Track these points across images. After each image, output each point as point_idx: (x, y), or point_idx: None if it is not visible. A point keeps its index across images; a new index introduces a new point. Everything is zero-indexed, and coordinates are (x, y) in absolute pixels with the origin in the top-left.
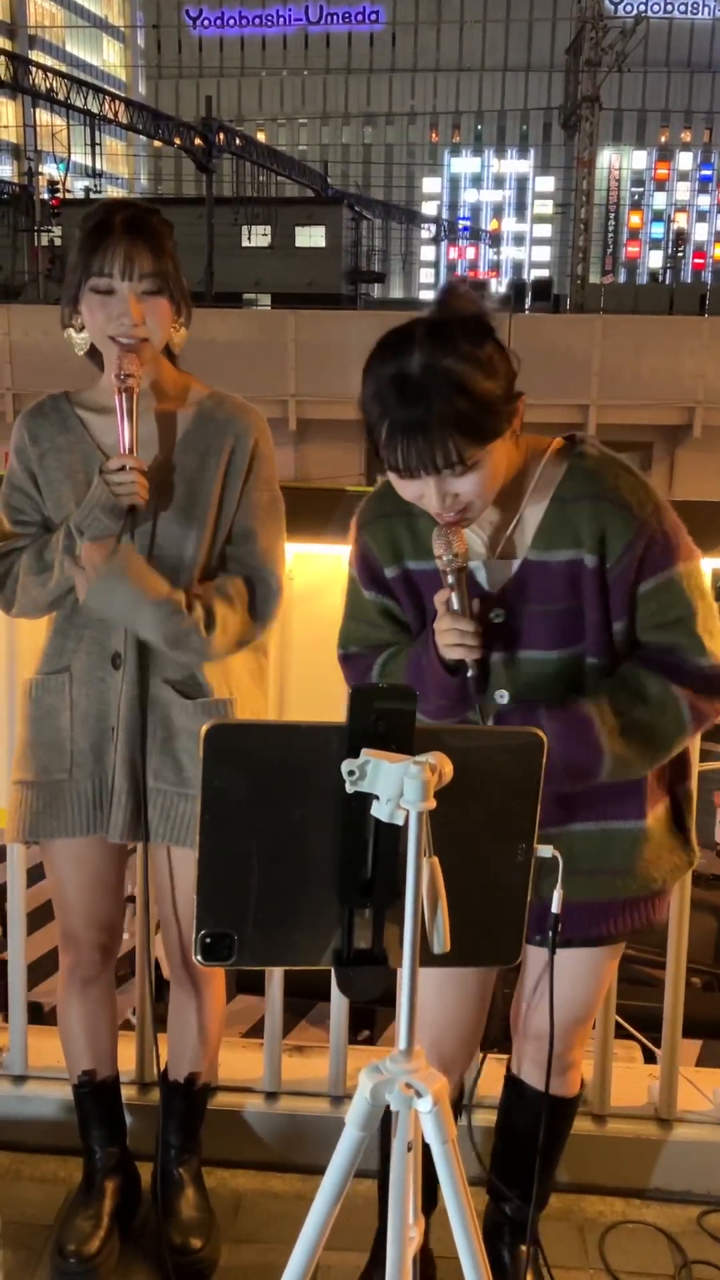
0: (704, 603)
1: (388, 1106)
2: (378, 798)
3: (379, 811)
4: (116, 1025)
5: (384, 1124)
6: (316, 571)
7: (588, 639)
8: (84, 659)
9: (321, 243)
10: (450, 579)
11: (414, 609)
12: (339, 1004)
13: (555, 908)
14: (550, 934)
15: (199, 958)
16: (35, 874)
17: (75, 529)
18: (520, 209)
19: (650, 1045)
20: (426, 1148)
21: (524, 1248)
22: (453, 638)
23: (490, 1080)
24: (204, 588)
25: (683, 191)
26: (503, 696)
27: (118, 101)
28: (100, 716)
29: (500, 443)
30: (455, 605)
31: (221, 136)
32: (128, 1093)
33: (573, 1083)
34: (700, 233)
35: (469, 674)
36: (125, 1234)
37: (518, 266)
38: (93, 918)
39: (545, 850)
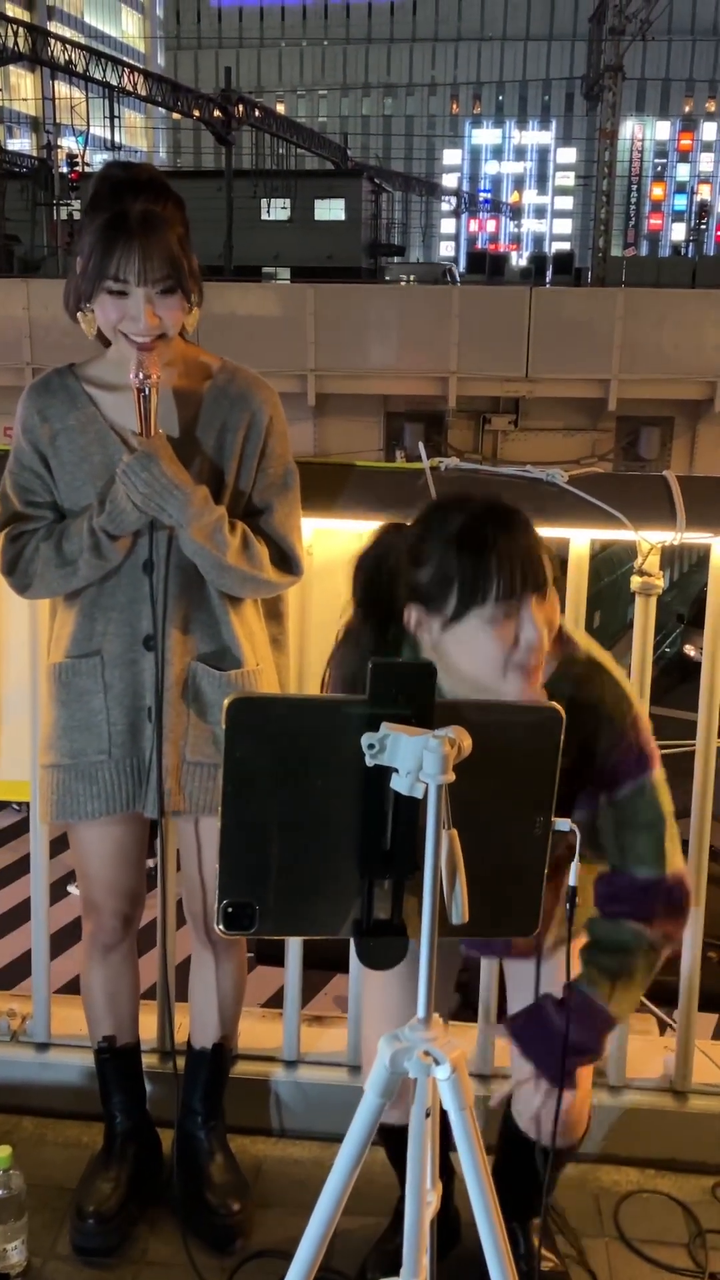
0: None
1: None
2: (397, 770)
3: (399, 784)
4: (138, 992)
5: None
6: (335, 546)
7: None
8: (115, 641)
9: (341, 215)
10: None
11: None
12: (357, 974)
13: (572, 880)
14: (569, 906)
15: (221, 927)
16: (58, 844)
17: (100, 530)
18: (541, 181)
19: (666, 1019)
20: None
21: (535, 1220)
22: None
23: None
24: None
25: (706, 163)
26: None
27: (136, 73)
28: (135, 696)
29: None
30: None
31: (240, 108)
32: (148, 1060)
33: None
34: None
35: None
36: (145, 1199)
37: (539, 239)
38: (115, 887)
39: (563, 824)
